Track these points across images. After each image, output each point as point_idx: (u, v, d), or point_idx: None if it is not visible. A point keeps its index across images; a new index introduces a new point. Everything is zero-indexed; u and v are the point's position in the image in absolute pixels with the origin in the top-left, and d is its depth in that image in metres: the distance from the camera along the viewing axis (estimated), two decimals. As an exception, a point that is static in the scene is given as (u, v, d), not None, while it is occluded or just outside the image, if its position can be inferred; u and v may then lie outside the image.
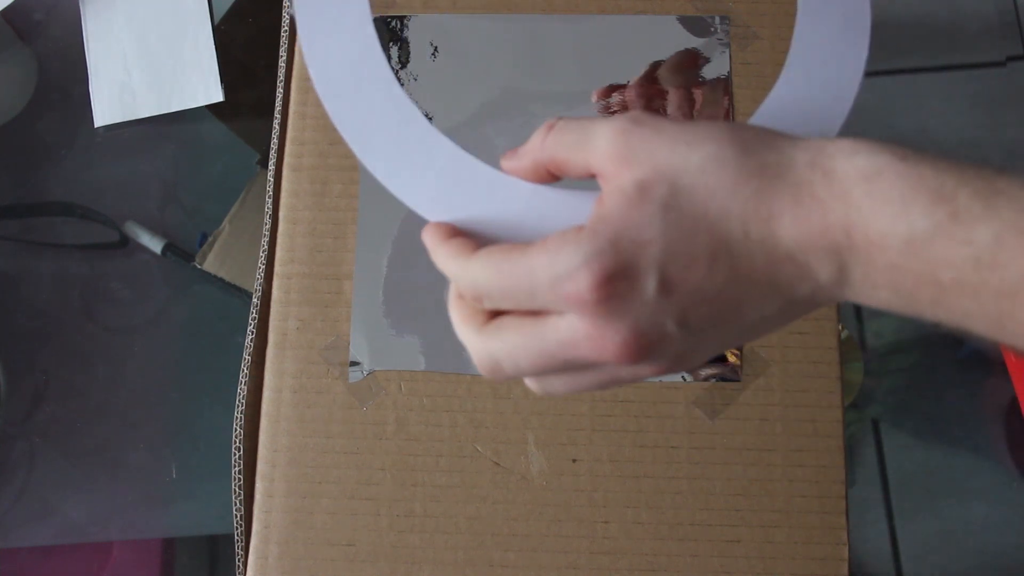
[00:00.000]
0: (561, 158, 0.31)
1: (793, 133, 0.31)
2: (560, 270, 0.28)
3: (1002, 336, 0.27)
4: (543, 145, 0.32)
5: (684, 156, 0.29)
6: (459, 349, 0.49)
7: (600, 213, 0.29)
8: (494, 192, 0.33)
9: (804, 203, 0.28)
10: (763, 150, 0.29)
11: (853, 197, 0.27)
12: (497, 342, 0.30)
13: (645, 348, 0.29)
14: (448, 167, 0.34)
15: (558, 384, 0.31)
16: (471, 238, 0.32)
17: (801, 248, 0.28)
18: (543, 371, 0.30)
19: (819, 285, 0.29)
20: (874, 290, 0.28)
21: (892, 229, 0.27)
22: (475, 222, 0.33)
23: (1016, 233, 0.26)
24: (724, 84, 0.50)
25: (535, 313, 0.30)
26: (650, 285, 0.28)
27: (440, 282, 0.48)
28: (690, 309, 0.29)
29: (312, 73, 0.34)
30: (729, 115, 0.50)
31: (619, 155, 0.29)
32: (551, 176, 0.33)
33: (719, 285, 0.29)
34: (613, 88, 0.50)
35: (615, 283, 0.28)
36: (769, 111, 0.36)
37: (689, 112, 0.50)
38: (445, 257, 0.32)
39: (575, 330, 0.29)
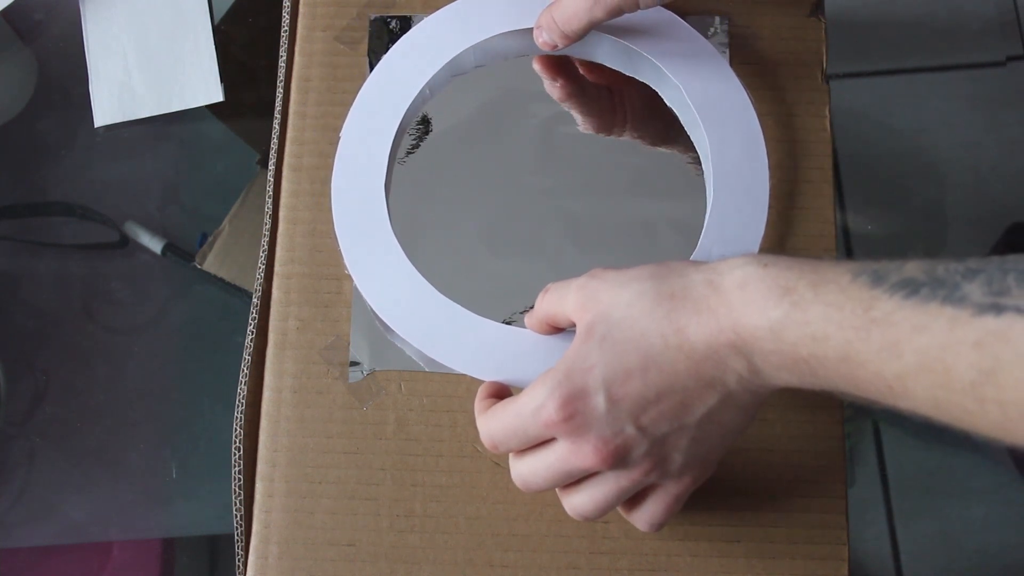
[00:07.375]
0: (551, 315, 0.40)
1: (727, 252, 0.39)
2: (536, 404, 0.36)
3: (863, 395, 0.32)
4: (540, 306, 0.41)
5: (617, 296, 0.36)
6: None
7: (564, 354, 0.37)
8: (531, 349, 0.43)
9: (703, 313, 0.34)
10: (673, 278, 0.36)
11: (733, 303, 0.34)
12: (522, 465, 0.39)
13: (614, 451, 0.35)
14: (486, 340, 0.44)
15: (583, 500, 0.38)
16: (493, 398, 0.40)
17: (711, 348, 0.34)
18: (557, 483, 0.38)
19: (741, 376, 0.35)
20: (777, 372, 0.34)
21: (759, 322, 0.33)
22: (517, 377, 0.43)
23: (836, 309, 0.31)
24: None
25: (543, 443, 0.38)
26: (600, 400, 0.35)
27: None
28: (640, 413, 0.35)
29: (376, 309, 0.46)
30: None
31: (580, 306, 0.37)
32: (553, 329, 0.42)
33: (656, 389, 0.35)
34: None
35: (574, 403, 0.35)
36: (707, 240, 0.45)
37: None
38: (476, 416, 0.40)
39: (562, 447, 0.36)
